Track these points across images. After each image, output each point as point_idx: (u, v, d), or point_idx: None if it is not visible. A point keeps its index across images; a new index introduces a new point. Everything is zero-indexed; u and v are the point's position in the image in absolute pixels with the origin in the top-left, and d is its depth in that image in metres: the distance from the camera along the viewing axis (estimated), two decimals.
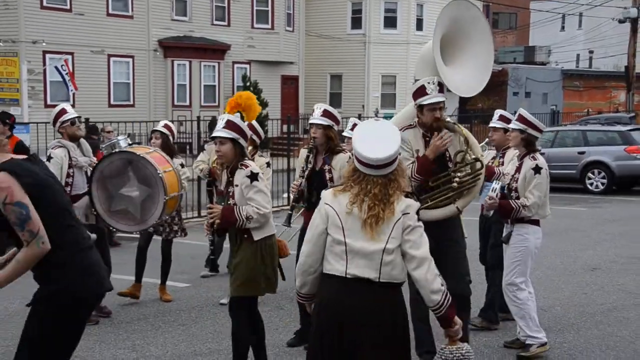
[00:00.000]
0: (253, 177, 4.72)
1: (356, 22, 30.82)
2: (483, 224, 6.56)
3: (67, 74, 19.99)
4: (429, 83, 5.01)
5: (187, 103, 25.61)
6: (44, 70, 21.69)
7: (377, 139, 3.41)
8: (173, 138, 7.56)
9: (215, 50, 26.36)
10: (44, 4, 22.10)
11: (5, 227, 3.29)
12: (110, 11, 23.76)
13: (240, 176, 4.75)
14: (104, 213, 6.37)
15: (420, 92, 5.07)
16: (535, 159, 5.56)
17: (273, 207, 5.21)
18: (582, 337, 6.17)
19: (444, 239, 4.97)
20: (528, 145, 5.61)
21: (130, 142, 6.98)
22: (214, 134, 4.84)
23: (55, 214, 3.37)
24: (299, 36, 29.65)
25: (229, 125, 4.77)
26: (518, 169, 5.64)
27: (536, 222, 5.65)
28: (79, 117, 6.78)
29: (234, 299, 4.92)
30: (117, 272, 7.20)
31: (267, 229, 4.89)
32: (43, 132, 11.55)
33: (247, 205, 4.74)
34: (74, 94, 21.49)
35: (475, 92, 5.54)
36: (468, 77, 5.39)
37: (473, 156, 5.10)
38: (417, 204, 3.46)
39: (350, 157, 5.71)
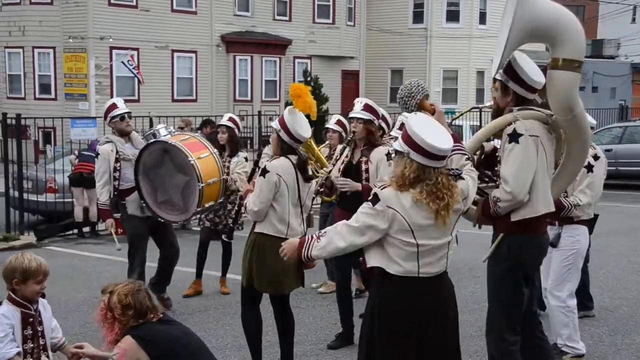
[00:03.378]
0: (263, 171, 4.74)
1: (418, 16, 30.49)
2: None
3: (134, 67, 20.51)
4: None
5: (249, 98, 25.87)
6: (111, 66, 22.23)
7: (434, 131, 3.37)
8: (239, 131, 7.38)
9: (276, 45, 26.54)
10: (111, 0, 22.65)
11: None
12: (175, 7, 24.17)
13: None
14: (152, 204, 6.37)
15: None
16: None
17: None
18: None
19: None
20: None
21: (170, 130, 6.76)
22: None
23: None
24: (360, 31, 29.56)
25: (280, 119, 4.87)
26: None
27: (585, 223, 5.44)
28: (128, 113, 6.69)
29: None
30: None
31: (267, 226, 4.82)
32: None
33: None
34: (139, 89, 22.00)
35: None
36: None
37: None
38: (467, 181, 3.47)
39: (390, 152, 5.55)
